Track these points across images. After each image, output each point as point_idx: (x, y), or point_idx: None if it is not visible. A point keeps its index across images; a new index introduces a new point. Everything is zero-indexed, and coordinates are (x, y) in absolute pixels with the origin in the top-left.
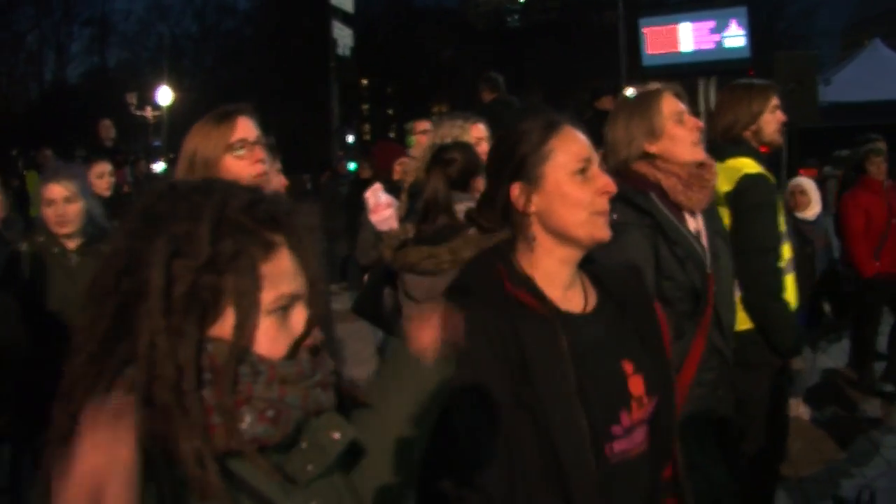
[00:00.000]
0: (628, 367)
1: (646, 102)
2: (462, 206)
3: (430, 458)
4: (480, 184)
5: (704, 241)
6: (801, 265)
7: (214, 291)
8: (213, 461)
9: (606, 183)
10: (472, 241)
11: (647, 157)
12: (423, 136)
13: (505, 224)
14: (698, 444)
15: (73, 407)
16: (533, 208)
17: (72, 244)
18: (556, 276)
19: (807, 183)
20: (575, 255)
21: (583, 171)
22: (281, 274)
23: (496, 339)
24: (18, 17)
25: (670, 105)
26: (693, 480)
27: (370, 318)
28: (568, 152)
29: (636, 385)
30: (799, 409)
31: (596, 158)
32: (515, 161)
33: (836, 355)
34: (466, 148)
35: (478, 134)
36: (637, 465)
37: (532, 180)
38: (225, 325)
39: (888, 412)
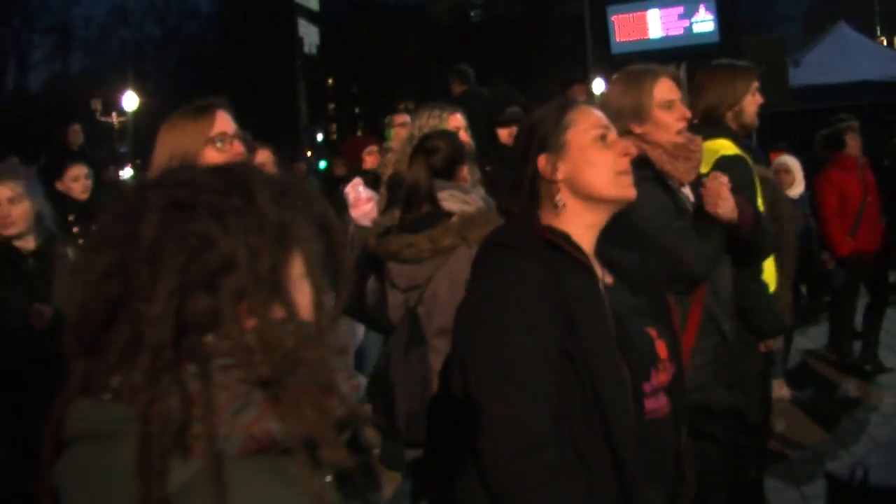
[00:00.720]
0: (653, 332)
1: (640, 82)
2: (445, 195)
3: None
4: (465, 172)
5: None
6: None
7: (286, 262)
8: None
9: (626, 146)
10: (452, 230)
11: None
12: (402, 128)
13: (532, 204)
14: (706, 412)
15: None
16: (560, 175)
17: (28, 245)
18: (582, 240)
19: (791, 162)
20: (601, 218)
21: (603, 137)
22: None
23: (542, 287)
24: None
25: (663, 91)
26: (703, 448)
27: (351, 312)
28: (587, 121)
29: (661, 349)
30: (781, 391)
31: (613, 128)
32: (538, 138)
33: (814, 336)
34: (451, 136)
35: (456, 123)
36: (665, 425)
37: (557, 149)
38: (299, 297)
39: (865, 391)
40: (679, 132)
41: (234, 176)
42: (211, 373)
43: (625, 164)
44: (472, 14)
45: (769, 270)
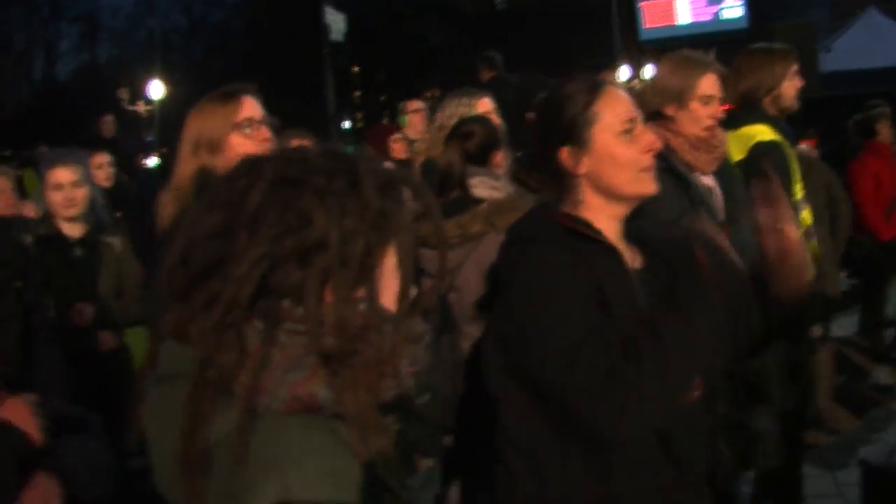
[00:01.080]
0: None
1: (689, 70)
2: (476, 181)
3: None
4: (500, 157)
5: (718, 198)
6: None
7: (380, 249)
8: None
9: (651, 140)
10: (480, 216)
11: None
12: (416, 114)
13: (553, 184)
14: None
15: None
16: (583, 170)
17: (76, 232)
18: (605, 228)
19: (807, 151)
20: (623, 210)
21: (628, 130)
22: None
23: (572, 274)
24: (6, 17)
25: (707, 85)
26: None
27: None
28: (613, 113)
29: None
30: None
31: (640, 117)
32: (563, 125)
33: (845, 323)
34: (485, 122)
35: (485, 108)
36: (697, 408)
37: (581, 143)
38: (386, 285)
39: None
40: (707, 128)
41: (344, 161)
42: (276, 334)
43: (648, 160)
44: (496, 2)
45: (809, 255)
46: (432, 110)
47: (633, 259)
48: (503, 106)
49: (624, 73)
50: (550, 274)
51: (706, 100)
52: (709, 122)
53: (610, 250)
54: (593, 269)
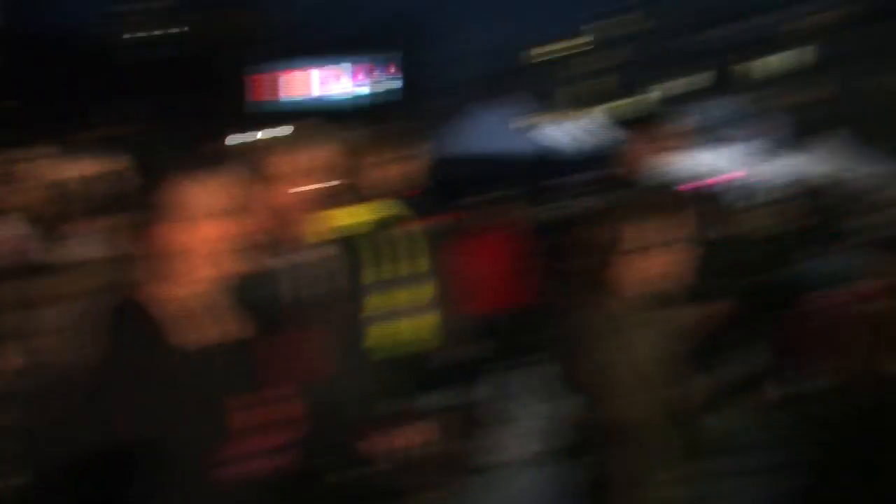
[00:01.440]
0: (239, 401)
1: (289, 143)
2: (71, 241)
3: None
4: (104, 220)
5: (327, 272)
6: None
7: None
8: None
9: (227, 229)
10: (74, 278)
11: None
12: (25, 167)
13: (146, 257)
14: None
15: None
16: (161, 249)
17: None
18: (195, 298)
19: (440, 226)
20: (204, 288)
21: (216, 212)
22: None
23: (138, 351)
24: None
25: (301, 161)
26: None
27: None
28: (195, 198)
29: (242, 419)
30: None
31: (239, 195)
32: (145, 205)
33: (462, 392)
34: (95, 182)
35: (88, 170)
36: (266, 485)
37: (159, 224)
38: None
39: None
40: (301, 202)
41: None
42: None
43: (233, 240)
44: (137, 52)
45: (401, 332)
46: (44, 163)
47: (214, 334)
48: (137, 163)
49: (243, 139)
50: (120, 350)
51: (304, 172)
52: (303, 196)
53: (167, 332)
54: (159, 346)
